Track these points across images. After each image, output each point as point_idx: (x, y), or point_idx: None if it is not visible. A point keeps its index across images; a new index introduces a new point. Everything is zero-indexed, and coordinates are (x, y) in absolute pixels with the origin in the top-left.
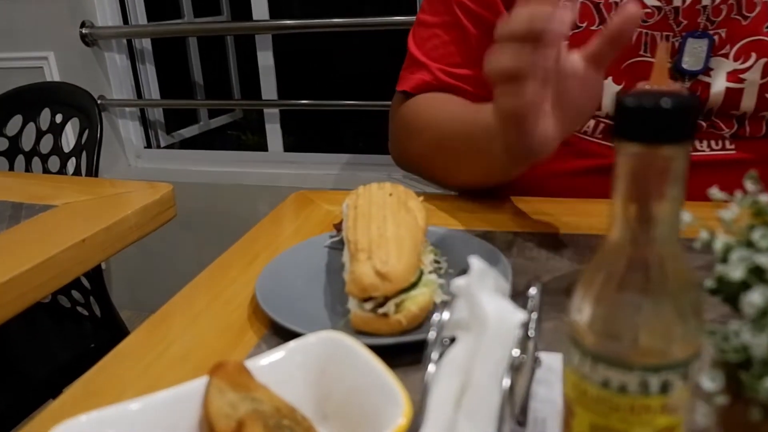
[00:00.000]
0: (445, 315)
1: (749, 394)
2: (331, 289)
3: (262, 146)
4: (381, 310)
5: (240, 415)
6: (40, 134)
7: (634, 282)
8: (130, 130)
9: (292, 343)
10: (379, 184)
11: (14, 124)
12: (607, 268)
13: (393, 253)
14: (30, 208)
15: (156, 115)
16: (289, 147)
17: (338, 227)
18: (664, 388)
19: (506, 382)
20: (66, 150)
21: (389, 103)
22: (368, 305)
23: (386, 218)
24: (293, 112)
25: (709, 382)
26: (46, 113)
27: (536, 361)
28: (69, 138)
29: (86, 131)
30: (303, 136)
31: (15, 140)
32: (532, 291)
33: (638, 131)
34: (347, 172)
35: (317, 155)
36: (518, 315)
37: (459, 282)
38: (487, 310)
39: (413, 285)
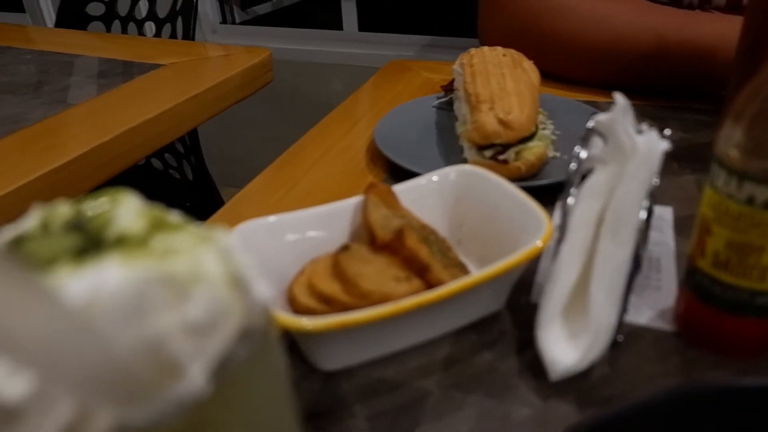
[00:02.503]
0: (583, 152)
1: None
2: (443, 143)
3: (336, 25)
4: (501, 157)
5: (394, 226)
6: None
7: None
8: (206, 4)
9: (430, 174)
10: (488, 47)
11: None
12: (765, 92)
13: (515, 104)
14: (140, 66)
15: None
16: (363, 26)
17: (446, 88)
18: None
19: (645, 204)
20: (161, 16)
21: None
22: (488, 153)
23: (504, 75)
24: None
25: None
26: None
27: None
28: (162, 4)
29: None
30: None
31: (111, 5)
32: (667, 132)
33: None
34: (426, 55)
35: (393, 36)
36: (663, 144)
37: (601, 117)
38: (635, 139)
39: (531, 136)
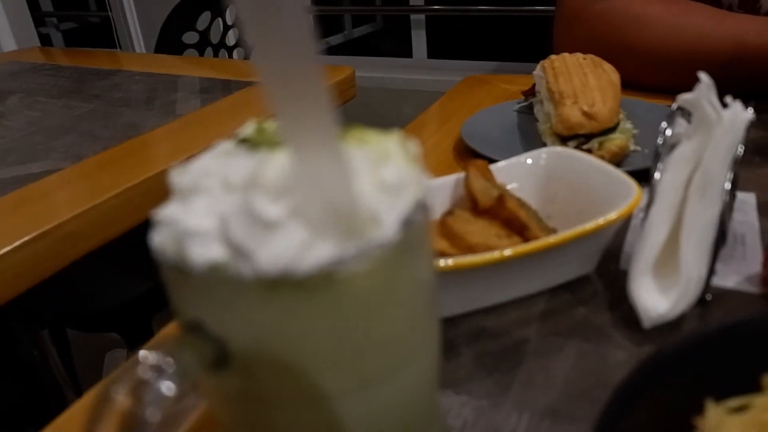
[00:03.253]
0: (669, 128)
1: None
2: (526, 141)
3: (405, 54)
4: (585, 147)
5: (494, 194)
6: (226, 28)
7: None
8: None
9: (523, 155)
10: (569, 53)
11: (203, 19)
12: None
13: (598, 98)
14: (237, 83)
15: None
16: (432, 54)
17: (527, 93)
18: None
19: (730, 175)
20: None
21: (537, 8)
22: (572, 143)
23: (586, 74)
24: (439, 19)
25: None
26: (231, 9)
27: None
28: None
29: None
30: (447, 43)
31: (204, 34)
32: (750, 108)
33: None
34: None
35: (461, 62)
36: (747, 114)
37: (686, 95)
38: (720, 110)
39: (614, 128)
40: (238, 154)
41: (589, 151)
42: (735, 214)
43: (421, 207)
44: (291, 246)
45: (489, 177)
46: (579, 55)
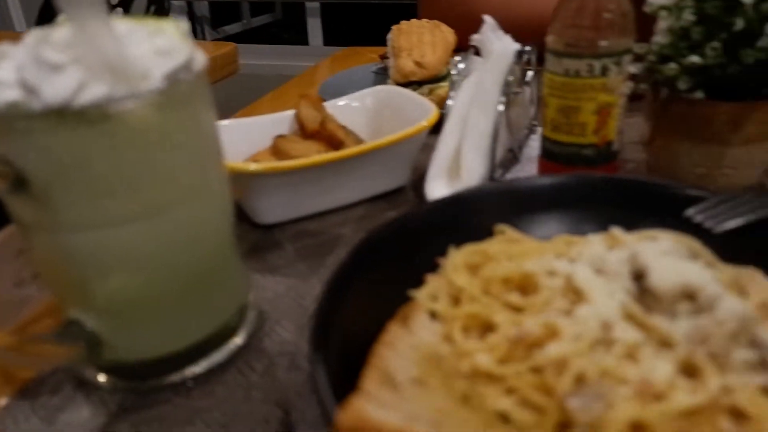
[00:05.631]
0: (461, 64)
1: (659, 78)
2: None
3: (304, 43)
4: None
5: (318, 120)
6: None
7: None
8: None
9: (352, 95)
10: (416, 19)
11: None
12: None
13: (429, 51)
14: None
15: (203, 10)
16: (328, 42)
17: (383, 56)
18: (604, 71)
19: (503, 99)
20: None
21: None
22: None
23: (423, 33)
24: (334, 7)
25: (633, 68)
26: None
27: (536, 118)
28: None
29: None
30: (342, 31)
31: None
32: (528, 48)
33: None
34: None
35: (358, 49)
36: (514, 46)
37: (475, 36)
38: (494, 43)
39: (443, 78)
40: (43, 34)
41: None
42: (531, 141)
43: (187, 68)
44: (70, 84)
45: (320, 109)
46: (424, 20)
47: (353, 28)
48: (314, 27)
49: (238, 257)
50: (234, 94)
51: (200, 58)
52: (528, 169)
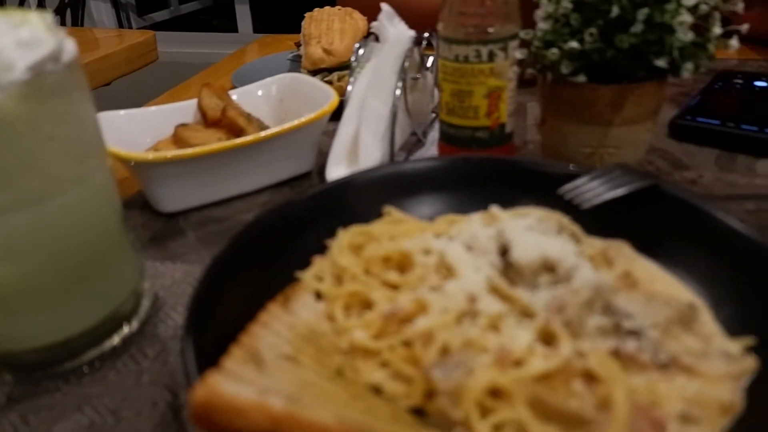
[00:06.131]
0: (360, 50)
1: (545, 63)
2: None
3: (233, 30)
4: (326, 80)
5: (220, 108)
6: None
7: None
8: (102, 11)
9: (256, 84)
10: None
11: None
12: None
13: (337, 38)
14: None
15: None
16: (258, 29)
17: (298, 44)
18: (491, 57)
19: (400, 83)
20: (50, 8)
21: None
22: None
23: (333, 21)
24: None
25: (519, 54)
26: None
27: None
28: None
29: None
30: (272, 18)
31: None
32: (426, 34)
33: None
34: None
35: (286, 36)
36: (410, 32)
37: (374, 23)
38: (390, 31)
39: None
40: None
41: (330, 83)
42: (436, 124)
43: (55, 59)
44: None
45: (224, 97)
46: (337, 7)
47: (282, 15)
48: (243, 13)
49: (129, 245)
50: (158, 83)
51: (70, 48)
52: (432, 152)
